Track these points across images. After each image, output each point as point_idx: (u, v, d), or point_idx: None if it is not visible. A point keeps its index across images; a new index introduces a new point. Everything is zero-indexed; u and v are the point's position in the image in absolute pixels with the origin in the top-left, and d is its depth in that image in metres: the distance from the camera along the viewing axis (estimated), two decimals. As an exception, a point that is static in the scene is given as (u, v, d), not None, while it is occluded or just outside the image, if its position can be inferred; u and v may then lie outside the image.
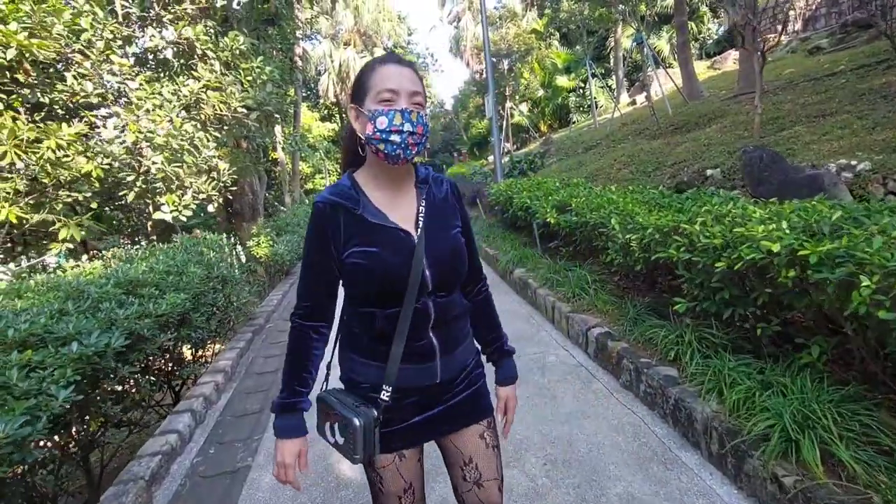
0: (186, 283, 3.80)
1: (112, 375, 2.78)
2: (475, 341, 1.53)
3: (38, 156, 4.54)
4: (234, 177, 7.42)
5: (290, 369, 1.40)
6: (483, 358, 1.56)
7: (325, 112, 32.82)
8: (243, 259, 7.76)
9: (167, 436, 3.16)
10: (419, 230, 1.25)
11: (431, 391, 1.33)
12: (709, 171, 6.02)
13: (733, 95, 10.09)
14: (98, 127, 6.07)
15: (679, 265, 3.23)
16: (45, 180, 4.88)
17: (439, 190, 1.37)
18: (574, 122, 21.97)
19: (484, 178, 12.32)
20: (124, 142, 6.03)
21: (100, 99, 6.35)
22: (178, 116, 6.66)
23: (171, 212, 6.47)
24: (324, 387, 1.44)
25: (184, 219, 6.53)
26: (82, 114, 5.58)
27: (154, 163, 6.22)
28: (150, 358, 3.47)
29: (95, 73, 6.21)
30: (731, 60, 18.03)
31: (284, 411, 1.36)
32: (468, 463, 1.39)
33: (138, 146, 6.23)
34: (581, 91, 22.63)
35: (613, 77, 21.48)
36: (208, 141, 6.89)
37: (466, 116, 43.98)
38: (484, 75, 28.55)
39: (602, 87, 22.14)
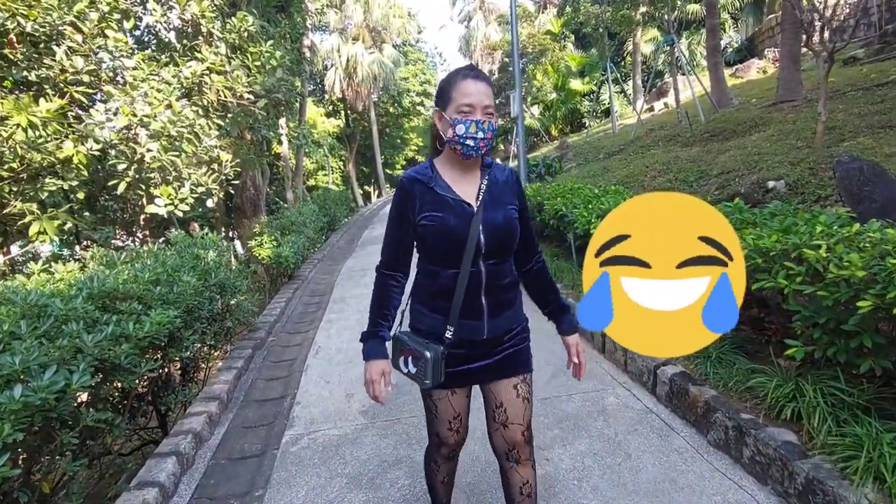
0: (178, 296, 3.14)
1: (72, 425, 2.12)
2: (538, 302, 1.95)
3: (6, 135, 3.86)
4: (237, 170, 6.77)
5: (375, 307, 1.73)
6: (545, 317, 1.97)
7: (331, 108, 32.16)
8: (242, 258, 7.12)
9: (145, 491, 2.50)
10: (479, 203, 1.57)
11: (477, 346, 1.65)
12: (770, 183, 5.39)
13: (772, 103, 9.47)
14: (87, 108, 5.40)
15: (790, 299, 2.59)
16: (14, 165, 4.20)
17: (501, 174, 1.69)
18: (588, 127, 21.35)
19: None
20: (115, 126, 5.37)
21: (92, 78, 5.70)
22: (177, 100, 6.01)
23: (166, 205, 5.82)
24: (398, 330, 1.73)
25: (180, 213, 5.87)
26: (65, 90, 4.88)
27: (149, 150, 5.57)
28: (127, 391, 2.80)
29: (88, 49, 5.56)
30: (754, 69, 17.45)
31: (371, 338, 1.68)
32: (499, 406, 1.71)
33: (132, 131, 5.57)
34: (595, 95, 22.02)
35: (630, 82, 20.87)
36: (210, 129, 6.23)
37: (473, 118, 43.46)
38: (496, 75, 27.90)
39: (619, 92, 21.53)
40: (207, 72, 6.35)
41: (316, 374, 4.10)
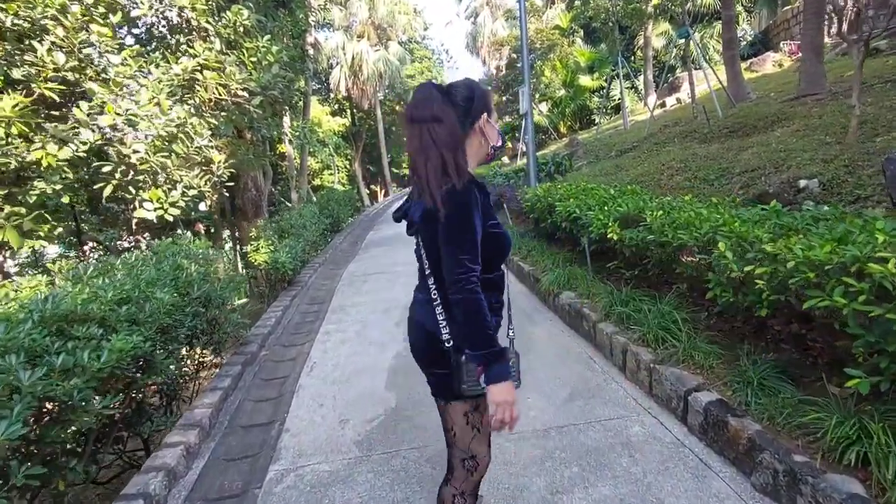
0: (149, 315, 2.79)
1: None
2: None
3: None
4: (232, 170, 6.44)
5: (485, 321, 1.46)
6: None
7: (336, 106, 31.86)
8: (240, 267, 6.80)
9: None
10: None
11: None
12: (802, 182, 4.97)
13: (794, 97, 9.01)
14: (62, 106, 5.10)
15: (850, 320, 2.21)
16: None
17: None
18: (598, 124, 20.89)
19: (506, 181, 11.26)
20: (101, 125, 5.06)
21: (77, 75, 5.39)
22: (167, 98, 5.69)
23: (156, 209, 5.50)
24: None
25: (170, 218, 5.55)
26: (34, 83, 4.56)
27: (135, 151, 5.25)
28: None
29: (70, 44, 5.25)
30: (770, 63, 16.92)
31: (501, 356, 1.47)
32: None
33: (118, 131, 5.26)
34: (604, 92, 21.54)
35: (641, 77, 20.38)
36: (203, 128, 5.90)
37: (480, 115, 43.01)
38: (503, 72, 27.47)
39: (629, 88, 21.05)
40: (199, 68, 6.03)
41: (308, 396, 3.75)
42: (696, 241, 3.48)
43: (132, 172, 5.46)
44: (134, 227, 7.30)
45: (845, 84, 9.07)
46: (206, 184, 5.89)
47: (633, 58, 22.60)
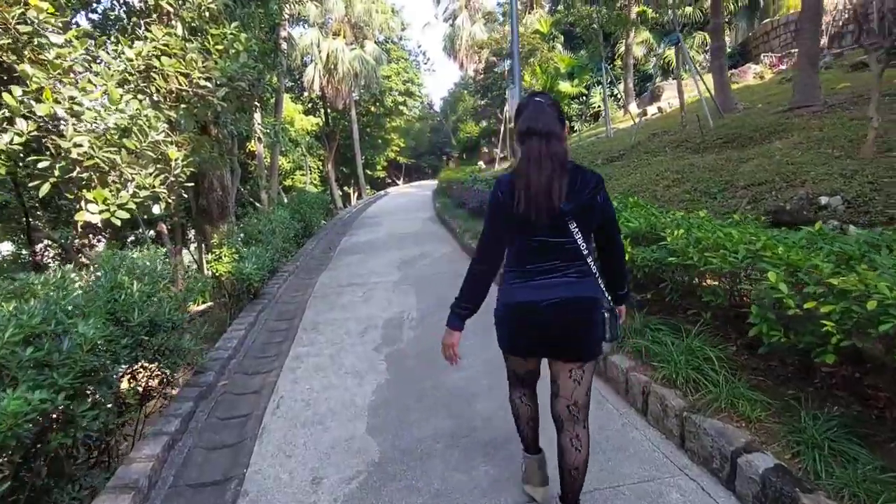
0: (66, 357, 2.15)
1: None
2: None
3: None
4: (192, 169, 5.74)
5: None
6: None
7: (310, 105, 30.96)
8: (206, 269, 6.09)
9: None
10: None
11: None
12: (823, 199, 4.59)
13: (788, 108, 8.77)
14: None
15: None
16: None
17: None
18: (577, 131, 20.63)
19: (488, 187, 10.76)
20: (36, 114, 4.34)
21: (10, 56, 4.66)
22: (117, 86, 4.99)
23: (101, 211, 4.79)
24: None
25: (117, 221, 4.85)
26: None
27: (77, 145, 4.55)
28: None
29: (2, 19, 4.52)
30: (751, 75, 16.91)
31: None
32: None
33: (58, 121, 4.56)
34: (584, 98, 21.32)
35: (621, 85, 20.21)
36: (159, 121, 5.21)
37: (455, 119, 42.57)
38: (481, 75, 27.07)
39: (609, 96, 20.88)
40: (157, 54, 5.34)
41: (274, 442, 3.14)
42: (731, 267, 3.01)
43: (77, 169, 4.77)
44: (80, 229, 6.55)
45: (839, 96, 8.88)
46: (161, 184, 5.20)
47: (612, 66, 22.46)
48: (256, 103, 13.16)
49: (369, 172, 35.06)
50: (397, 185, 37.19)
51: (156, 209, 5.30)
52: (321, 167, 30.14)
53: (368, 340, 4.77)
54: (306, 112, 29.77)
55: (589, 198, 1.88)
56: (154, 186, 5.19)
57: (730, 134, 8.40)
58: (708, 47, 19.74)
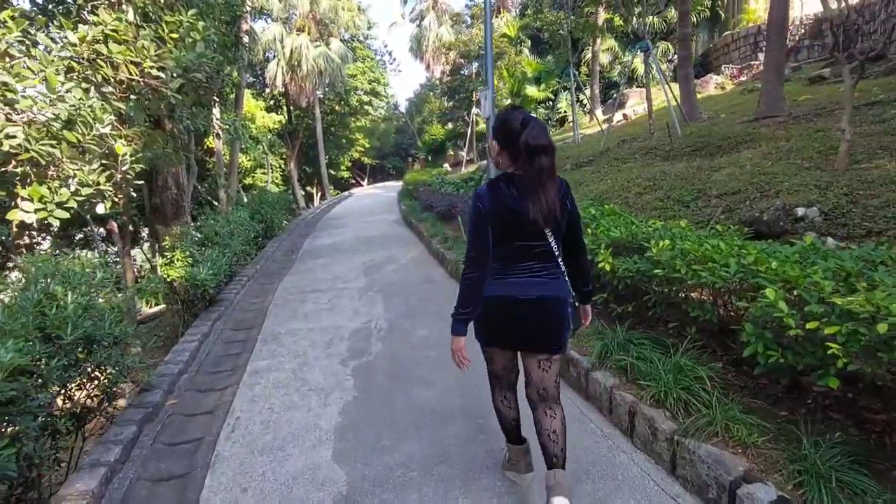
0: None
1: None
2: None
3: None
4: (143, 166, 5.31)
5: None
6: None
7: (272, 102, 30.14)
8: (160, 271, 5.65)
9: None
10: None
11: None
12: (800, 210, 4.55)
13: (754, 118, 8.88)
14: None
15: None
16: None
17: None
18: (543, 136, 20.69)
19: (456, 190, 10.56)
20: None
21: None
22: (58, 73, 4.55)
23: (37, 210, 4.35)
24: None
25: (55, 221, 4.41)
26: None
27: (10, 136, 4.10)
28: None
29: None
30: (712, 85, 17.28)
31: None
32: None
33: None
34: (551, 103, 21.40)
35: (588, 91, 20.37)
36: (105, 113, 4.78)
37: (421, 121, 42.28)
38: (448, 77, 26.88)
39: (576, 102, 21.02)
40: (103, 39, 4.91)
41: (229, 473, 2.81)
42: (723, 282, 2.86)
43: (12, 163, 4.32)
44: (16, 228, 5.98)
45: (802, 108, 9.05)
46: (107, 181, 4.77)
47: (578, 72, 22.65)
48: (216, 98, 12.66)
49: (333, 172, 34.40)
50: (362, 185, 36.65)
51: (100, 208, 4.85)
52: (283, 166, 29.37)
53: (334, 353, 4.47)
54: (268, 109, 28.97)
55: (561, 202, 2.09)
56: (99, 183, 4.76)
57: (698, 142, 8.44)
58: (671, 57, 20.14)
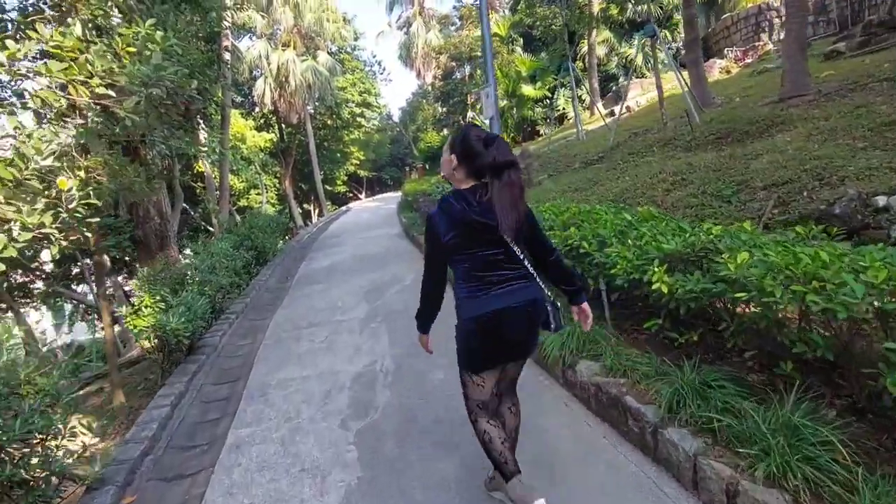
0: None
1: None
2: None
3: None
4: (103, 199, 4.56)
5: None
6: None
7: (262, 121, 29.52)
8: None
9: None
10: None
11: None
12: (880, 200, 3.78)
13: (779, 99, 8.12)
14: None
15: None
16: None
17: None
18: (544, 135, 19.97)
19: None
20: None
21: None
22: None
23: (-35, 264, 3.62)
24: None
25: (-10, 276, 3.67)
26: None
27: (-79, 178, 3.39)
28: None
29: None
30: (716, 70, 16.57)
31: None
32: None
33: None
34: (548, 101, 20.70)
35: (585, 86, 19.65)
36: (43, 143, 4.04)
37: (415, 129, 41.64)
38: (439, 82, 26.24)
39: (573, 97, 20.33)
40: (39, 57, 4.20)
41: None
42: (848, 312, 2.09)
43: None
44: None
45: (828, 84, 8.29)
46: (52, 221, 4.03)
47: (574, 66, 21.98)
48: (199, 119, 11.94)
49: (329, 188, 33.73)
50: (360, 199, 35.95)
51: (46, 254, 4.10)
52: (278, 185, 28.71)
53: (333, 410, 3.70)
54: (259, 128, 28.36)
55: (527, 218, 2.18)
56: (43, 225, 4.03)
57: (721, 129, 7.68)
58: (670, 44, 19.42)
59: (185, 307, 4.81)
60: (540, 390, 3.69)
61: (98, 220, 4.61)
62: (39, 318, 20.49)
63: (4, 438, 2.10)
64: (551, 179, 10.15)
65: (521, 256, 2.15)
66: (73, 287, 15.64)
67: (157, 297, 4.94)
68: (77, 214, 4.20)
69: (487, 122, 6.85)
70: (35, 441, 2.38)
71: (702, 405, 2.62)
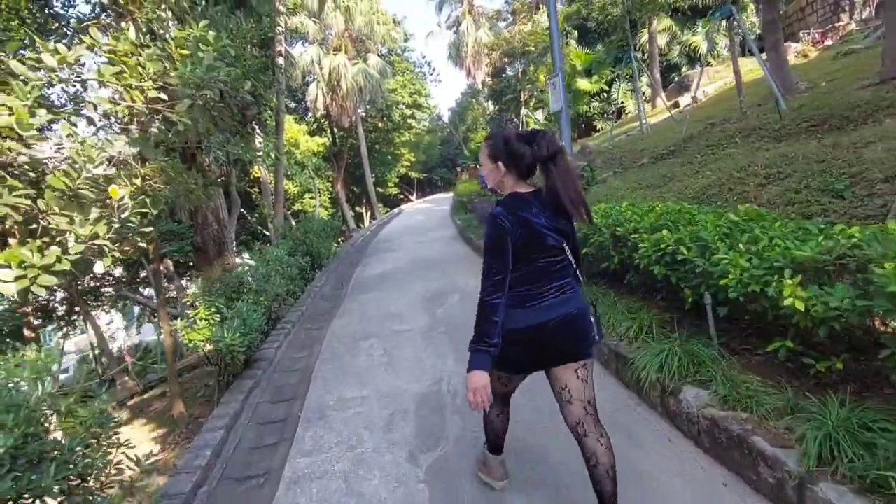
0: None
1: None
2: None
3: None
4: (146, 210, 4.38)
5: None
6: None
7: (315, 125, 29.90)
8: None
9: None
10: None
11: None
12: None
13: (880, 81, 7.23)
14: None
15: None
16: None
17: None
18: (599, 131, 19.15)
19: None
20: None
21: None
22: (36, 105, 3.69)
23: (17, 278, 3.46)
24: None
25: (41, 291, 3.51)
26: None
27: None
28: None
29: None
30: (792, 53, 15.30)
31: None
32: None
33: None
34: (605, 95, 19.84)
35: (644, 78, 18.70)
36: (96, 151, 3.87)
37: (465, 129, 41.27)
38: (490, 81, 25.71)
39: (630, 90, 19.43)
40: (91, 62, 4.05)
41: None
42: None
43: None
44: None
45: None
46: (106, 233, 3.86)
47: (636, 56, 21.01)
48: (255, 125, 11.96)
49: (381, 190, 33.84)
50: (411, 200, 35.90)
51: (98, 267, 3.93)
52: (330, 189, 28.98)
53: (398, 439, 3.33)
54: (312, 133, 28.74)
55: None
56: (98, 236, 3.86)
57: (815, 116, 6.88)
58: (736, 31, 18.18)
59: (241, 320, 4.57)
60: (634, 421, 3.18)
61: (151, 229, 4.42)
62: (110, 321, 21.40)
63: (37, 485, 1.82)
64: (617, 177, 9.50)
65: (574, 265, 2.13)
66: (141, 290, 16.14)
67: (213, 309, 4.73)
68: (130, 223, 4.02)
69: (551, 116, 6.33)
70: (75, 483, 2.11)
71: (865, 454, 2.08)
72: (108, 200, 3.94)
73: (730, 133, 8.10)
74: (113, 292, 13.74)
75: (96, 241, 3.72)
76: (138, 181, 4.84)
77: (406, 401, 3.85)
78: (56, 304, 12.77)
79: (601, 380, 3.69)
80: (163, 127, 4.62)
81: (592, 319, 2.14)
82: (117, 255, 3.90)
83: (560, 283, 2.06)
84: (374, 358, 4.88)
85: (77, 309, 11.69)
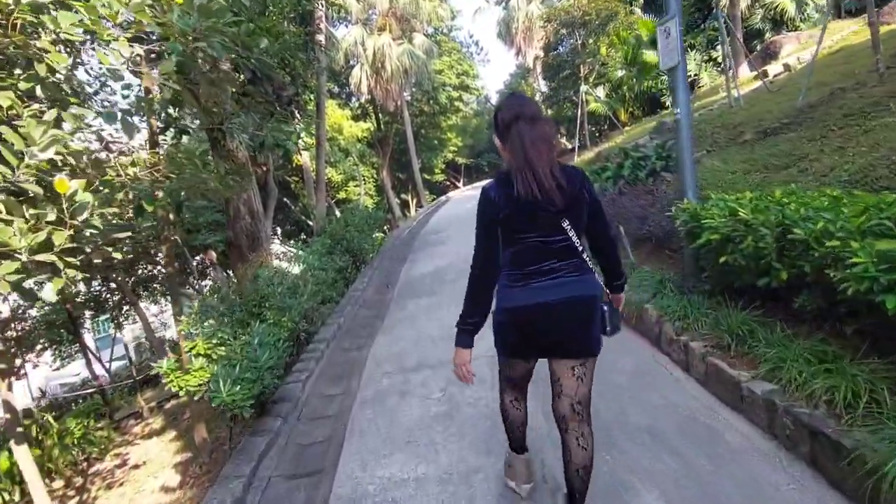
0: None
1: None
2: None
3: None
4: (114, 210, 3.24)
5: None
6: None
7: (359, 110, 28.89)
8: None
9: None
10: None
11: None
12: None
13: None
14: None
15: None
16: None
17: None
18: (667, 108, 17.20)
19: (613, 185, 7.74)
20: None
21: None
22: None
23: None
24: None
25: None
26: None
27: None
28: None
29: None
30: (907, 10, 13.00)
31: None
32: None
33: None
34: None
35: (727, 44, 16.60)
36: (43, 124, 2.74)
37: (515, 112, 39.46)
38: (542, 57, 23.91)
39: (706, 61, 17.39)
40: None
41: None
42: None
43: None
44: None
45: None
46: (62, 242, 2.72)
47: (705, 27, 18.83)
48: (294, 109, 10.87)
49: (427, 176, 32.61)
50: (458, 187, 34.56)
51: (47, 292, 2.77)
52: (375, 176, 27.96)
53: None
54: (355, 118, 27.75)
55: (578, 192, 1.88)
56: (51, 247, 2.73)
57: None
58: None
59: (249, 360, 3.38)
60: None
61: (127, 234, 3.28)
62: (160, 311, 21.23)
63: None
64: (713, 156, 7.88)
65: (577, 245, 1.90)
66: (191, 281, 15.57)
67: (215, 341, 3.57)
68: (93, 230, 2.87)
69: (666, 73, 4.84)
70: None
71: None
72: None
73: (874, 98, 6.35)
74: (158, 287, 13.17)
75: (35, 257, 2.58)
76: (134, 170, 3.77)
77: (482, 490, 2.57)
78: (108, 296, 12.47)
79: (786, 465, 2.29)
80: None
81: (606, 310, 1.97)
82: (72, 274, 2.75)
83: (556, 265, 1.89)
84: (430, 403, 3.63)
85: (127, 300, 11.48)
